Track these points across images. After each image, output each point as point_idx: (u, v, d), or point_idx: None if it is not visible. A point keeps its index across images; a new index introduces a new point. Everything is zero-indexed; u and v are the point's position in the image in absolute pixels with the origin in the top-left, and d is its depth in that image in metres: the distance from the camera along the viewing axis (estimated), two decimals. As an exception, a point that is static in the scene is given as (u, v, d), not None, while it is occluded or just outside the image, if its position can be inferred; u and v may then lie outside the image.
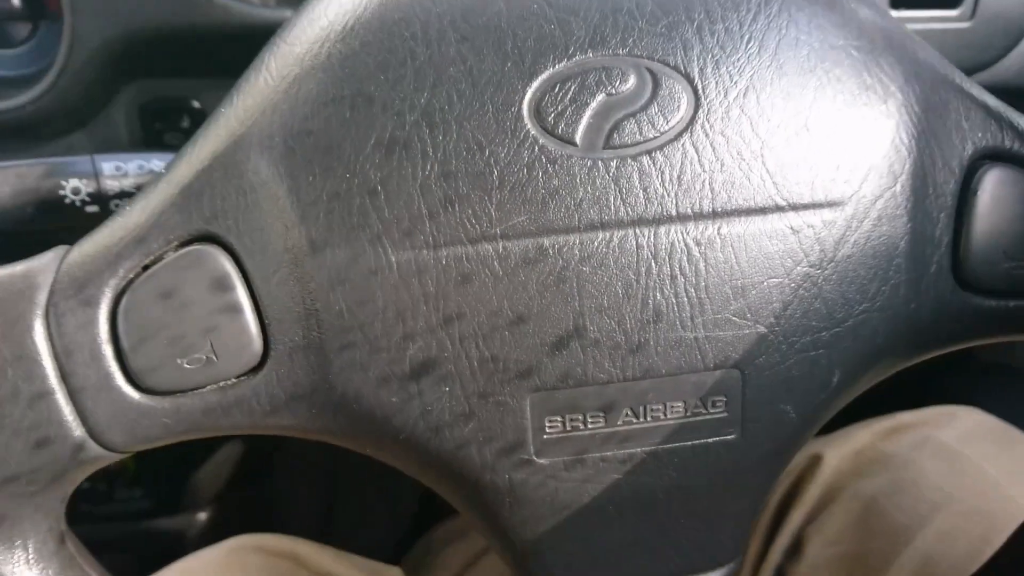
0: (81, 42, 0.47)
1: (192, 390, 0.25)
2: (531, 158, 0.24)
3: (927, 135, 0.26)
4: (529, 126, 0.24)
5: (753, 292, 0.26)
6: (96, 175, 0.37)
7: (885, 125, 0.26)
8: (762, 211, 0.25)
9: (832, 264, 0.26)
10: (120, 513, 0.74)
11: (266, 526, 0.53)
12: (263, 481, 0.85)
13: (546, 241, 0.25)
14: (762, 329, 0.26)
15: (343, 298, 0.24)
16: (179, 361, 0.25)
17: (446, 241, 0.24)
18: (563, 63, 0.24)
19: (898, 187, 0.26)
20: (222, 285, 0.24)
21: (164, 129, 0.53)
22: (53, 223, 0.35)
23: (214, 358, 0.25)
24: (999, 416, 0.53)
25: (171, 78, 0.52)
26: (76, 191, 0.36)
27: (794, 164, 0.25)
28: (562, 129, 0.24)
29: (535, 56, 0.24)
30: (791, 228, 0.25)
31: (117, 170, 0.37)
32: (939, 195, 0.27)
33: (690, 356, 0.26)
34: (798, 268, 0.26)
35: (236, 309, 0.24)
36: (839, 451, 0.52)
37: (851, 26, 0.26)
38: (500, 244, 0.24)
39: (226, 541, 0.50)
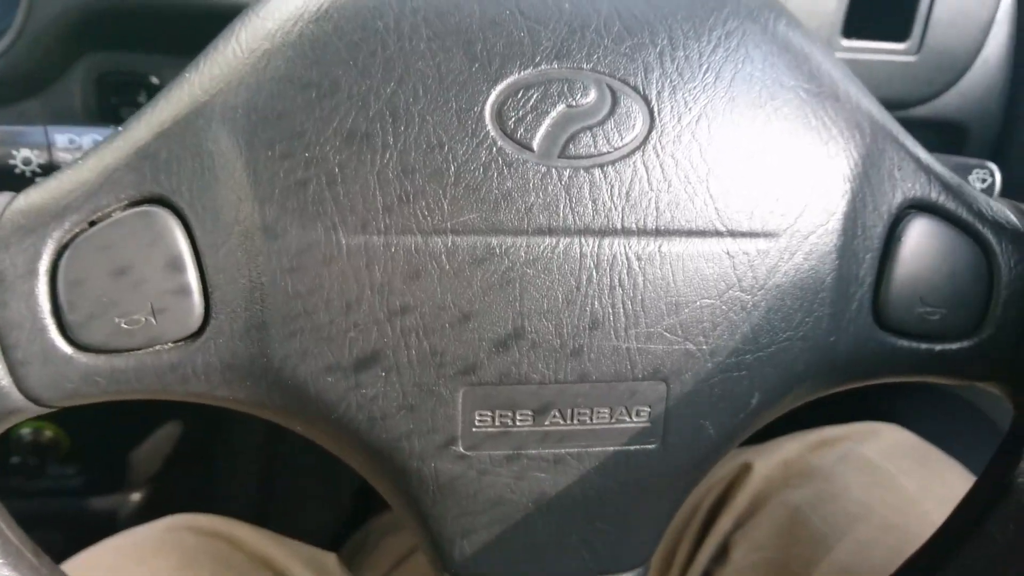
0: (40, 8, 0.46)
1: (128, 351, 0.25)
2: (488, 158, 0.25)
3: (862, 179, 0.28)
4: (489, 127, 0.25)
5: (686, 310, 0.27)
6: (48, 146, 0.36)
7: (824, 166, 0.27)
8: (702, 233, 0.26)
9: (762, 291, 0.27)
10: (53, 489, 0.72)
11: (202, 508, 0.52)
12: (201, 463, 0.84)
13: (494, 241, 0.25)
14: (690, 346, 0.27)
15: (293, 284, 0.25)
16: (117, 320, 0.25)
17: (398, 231, 0.25)
18: (528, 70, 0.25)
19: (830, 225, 0.27)
20: (166, 250, 0.24)
21: (120, 103, 0.53)
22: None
23: (152, 321, 0.25)
24: (919, 433, 0.56)
25: (130, 52, 0.51)
26: (27, 161, 0.36)
27: (736, 192, 0.26)
28: (521, 134, 0.25)
29: (502, 60, 0.25)
30: (727, 253, 0.27)
31: (71, 143, 0.36)
32: (867, 237, 0.28)
33: (620, 365, 0.27)
34: (730, 292, 0.27)
35: (180, 275, 0.25)
36: (768, 461, 0.54)
37: (803, 68, 0.27)
38: (450, 239, 0.25)
39: (161, 520, 0.50)
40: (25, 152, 0.36)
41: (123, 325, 0.25)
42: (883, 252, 0.28)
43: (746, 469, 0.54)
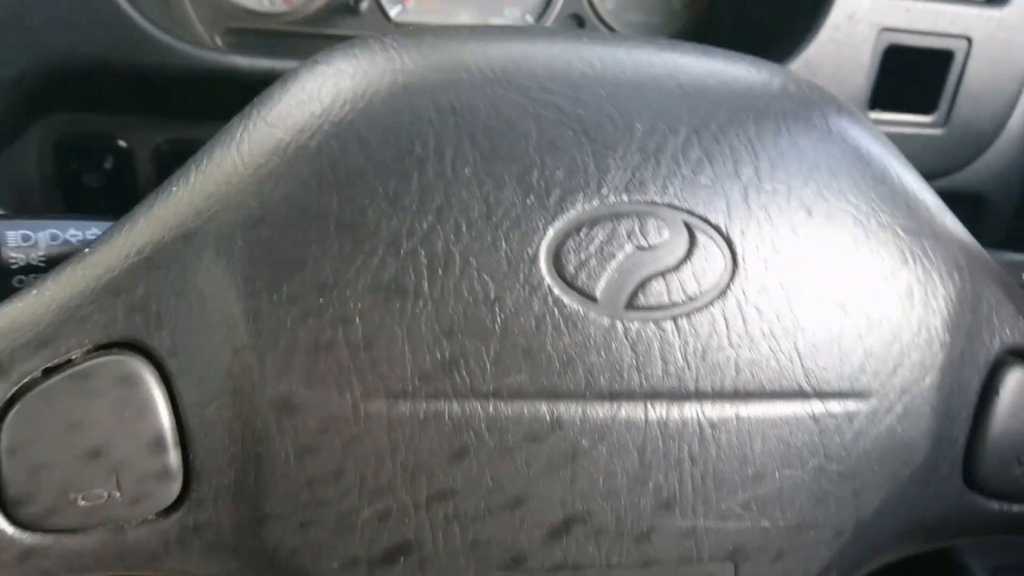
0: (-9, 70, 0.41)
1: (84, 529, 0.20)
2: (542, 310, 0.21)
3: (960, 327, 0.24)
4: (544, 272, 0.21)
5: (763, 483, 0.23)
6: (-3, 244, 0.31)
7: (922, 315, 0.24)
8: (785, 395, 0.23)
9: (848, 459, 0.24)
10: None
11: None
12: None
13: (547, 408, 0.21)
14: (766, 523, 0.23)
15: (308, 468, 0.20)
16: (72, 496, 0.20)
17: (435, 400, 0.20)
18: (593, 204, 0.21)
19: (926, 382, 0.24)
20: (150, 426, 0.20)
21: (82, 169, 0.47)
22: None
23: (116, 494, 0.20)
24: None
25: (94, 113, 0.46)
26: (-30, 263, 0.30)
27: (825, 347, 0.23)
28: (582, 280, 0.21)
29: (563, 192, 0.21)
30: (812, 416, 0.23)
31: (24, 240, 0.31)
32: (963, 392, 0.25)
33: (688, 547, 0.23)
34: (812, 460, 0.23)
35: (163, 456, 0.20)
36: None
37: (899, 202, 0.24)
38: (494, 405, 0.21)
39: None
40: (-32, 253, 0.30)
41: (80, 501, 0.20)
42: (978, 408, 0.25)
43: None
